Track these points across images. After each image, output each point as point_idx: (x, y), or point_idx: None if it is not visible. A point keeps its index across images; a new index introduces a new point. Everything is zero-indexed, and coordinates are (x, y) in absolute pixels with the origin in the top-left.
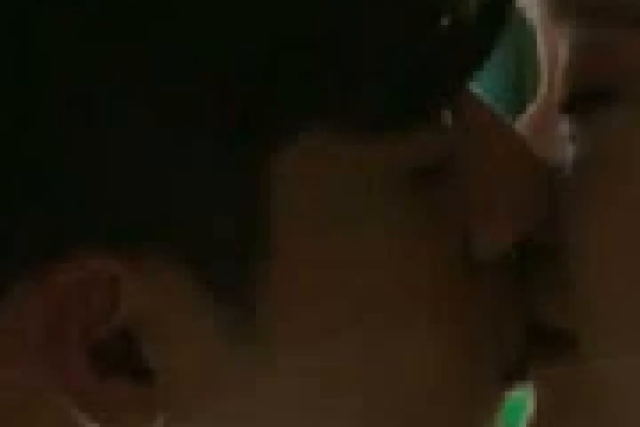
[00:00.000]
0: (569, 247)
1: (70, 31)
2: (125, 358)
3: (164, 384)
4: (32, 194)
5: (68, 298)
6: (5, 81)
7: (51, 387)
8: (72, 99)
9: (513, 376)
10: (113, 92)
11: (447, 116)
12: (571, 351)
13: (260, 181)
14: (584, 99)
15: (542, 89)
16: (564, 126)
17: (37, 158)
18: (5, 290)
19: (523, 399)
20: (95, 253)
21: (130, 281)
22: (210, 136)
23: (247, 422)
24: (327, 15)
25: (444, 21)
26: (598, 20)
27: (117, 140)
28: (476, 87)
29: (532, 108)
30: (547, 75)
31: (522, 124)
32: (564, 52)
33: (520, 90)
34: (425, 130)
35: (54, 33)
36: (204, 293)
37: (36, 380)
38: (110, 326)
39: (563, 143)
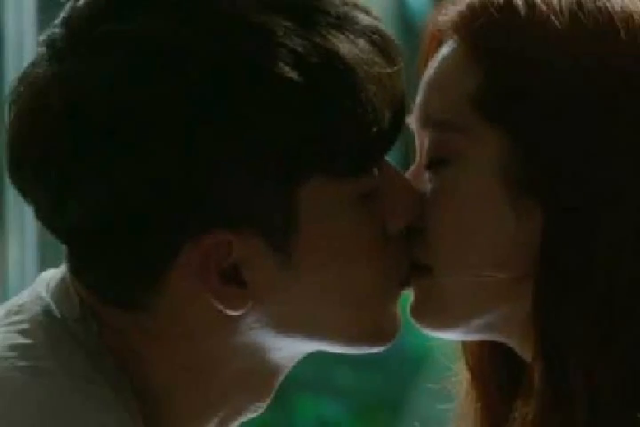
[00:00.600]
0: (427, 228)
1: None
2: (235, 277)
3: (251, 288)
4: (194, 204)
5: (209, 251)
6: (184, 164)
7: (203, 289)
8: (209, 165)
9: (404, 284)
10: (229, 165)
11: (375, 170)
12: (429, 274)
13: (292, 199)
14: (435, 163)
15: (417, 158)
16: (427, 175)
17: (195, 187)
18: (182, 248)
19: (409, 295)
20: (221, 231)
21: (237, 243)
22: (272, 179)
23: (288, 305)
24: (322, 126)
25: (374, 128)
26: (441, 128)
27: (230, 183)
28: (388, 160)
29: (412, 167)
30: (419, 151)
31: (408, 173)
32: (426, 142)
33: (407, 158)
34: (366, 177)
35: (205, 147)
36: (268, 248)
37: (198, 287)
38: (228, 262)
39: (426, 183)
